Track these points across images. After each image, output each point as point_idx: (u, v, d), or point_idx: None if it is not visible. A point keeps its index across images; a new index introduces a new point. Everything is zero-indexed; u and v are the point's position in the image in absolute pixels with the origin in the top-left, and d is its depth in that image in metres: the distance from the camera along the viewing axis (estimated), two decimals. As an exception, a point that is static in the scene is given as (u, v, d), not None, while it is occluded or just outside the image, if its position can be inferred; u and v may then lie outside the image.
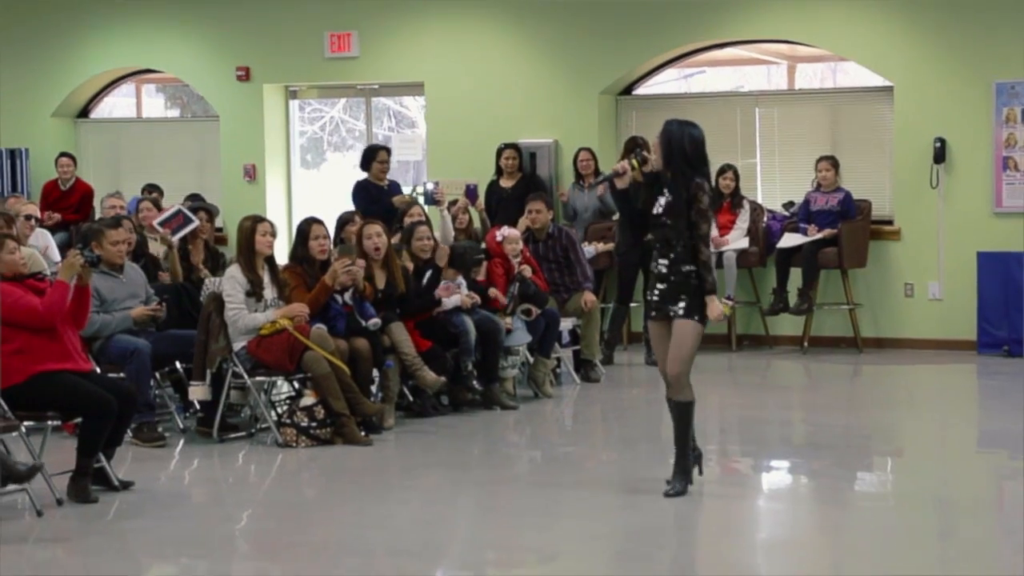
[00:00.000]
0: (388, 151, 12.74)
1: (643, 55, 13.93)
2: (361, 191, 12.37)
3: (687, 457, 7.59)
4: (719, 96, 14.57)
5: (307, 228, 9.74)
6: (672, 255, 7.50)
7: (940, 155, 12.86)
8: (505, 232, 10.88)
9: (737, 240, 12.99)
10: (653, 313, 7.62)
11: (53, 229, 13.37)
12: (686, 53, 14.13)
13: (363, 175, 12.52)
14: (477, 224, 12.11)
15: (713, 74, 15.93)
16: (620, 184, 7.61)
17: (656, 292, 7.58)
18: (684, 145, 7.49)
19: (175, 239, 10.43)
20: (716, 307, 7.47)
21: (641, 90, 14.36)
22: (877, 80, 13.38)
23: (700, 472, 7.75)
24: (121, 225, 9.37)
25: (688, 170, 7.47)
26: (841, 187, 12.97)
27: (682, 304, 7.48)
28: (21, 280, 7.84)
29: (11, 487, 7.34)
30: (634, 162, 7.72)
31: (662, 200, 7.53)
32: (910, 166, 13.02)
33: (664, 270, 7.54)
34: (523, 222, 11.49)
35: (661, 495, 7.56)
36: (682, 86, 15.83)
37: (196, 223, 10.55)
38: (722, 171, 13.11)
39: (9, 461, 7.10)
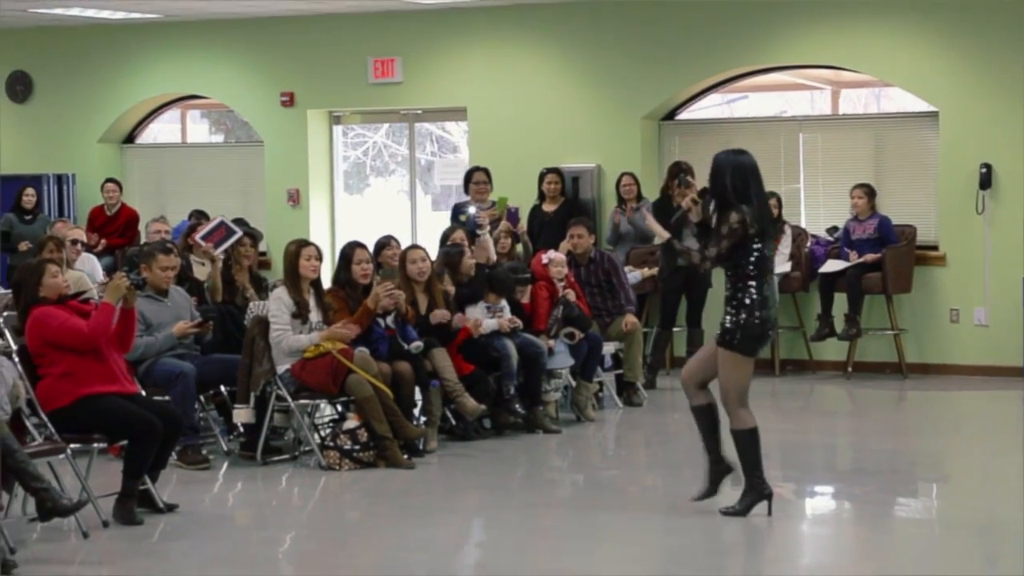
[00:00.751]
0: (485, 171, 12.78)
1: (686, 80, 13.94)
2: (460, 213, 12.40)
3: (750, 479, 7.58)
4: (763, 121, 14.54)
5: (350, 252, 9.79)
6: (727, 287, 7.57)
7: (986, 181, 12.79)
8: (551, 255, 10.89)
9: (779, 265, 12.96)
10: None
11: (100, 254, 13.50)
12: (730, 78, 14.14)
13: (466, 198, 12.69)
14: (519, 248, 12.13)
15: (756, 99, 15.90)
16: (693, 218, 7.70)
17: None
18: (726, 173, 7.49)
19: (218, 252, 10.39)
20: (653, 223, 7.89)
21: (684, 115, 14.36)
22: (922, 106, 13.33)
23: (768, 511, 7.65)
24: (172, 251, 9.41)
25: (729, 198, 7.46)
26: (877, 213, 12.92)
27: (719, 330, 7.56)
28: (64, 302, 7.89)
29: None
30: (695, 196, 7.74)
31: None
32: (955, 192, 12.95)
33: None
34: (565, 246, 11.49)
35: (704, 520, 7.54)
36: (725, 111, 15.82)
37: (239, 234, 10.47)
38: (765, 197, 13.09)
39: (56, 494, 7.11)
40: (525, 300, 10.58)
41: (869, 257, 12.67)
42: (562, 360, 10.60)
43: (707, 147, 13.95)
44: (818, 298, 12.97)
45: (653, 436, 10.84)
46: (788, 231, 13.06)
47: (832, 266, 12.88)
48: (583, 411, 10.85)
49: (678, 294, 12.39)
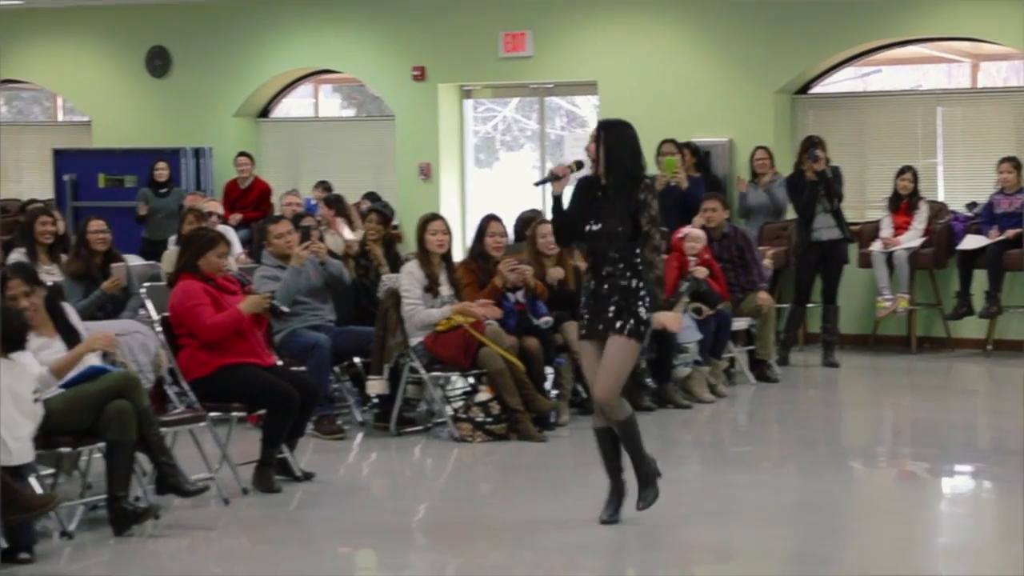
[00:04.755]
0: (673, 142, 12.76)
1: (820, 53, 13.74)
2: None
3: (646, 465, 7.16)
4: (899, 95, 14.30)
5: (485, 225, 9.84)
6: (607, 269, 6.95)
7: None
8: (688, 231, 10.84)
9: (911, 240, 12.75)
10: (584, 332, 7.03)
11: (235, 227, 13.72)
12: (864, 51, 13.91)
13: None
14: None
15: (890, 73, 15.64)
16: (556, 190, 7.05)
17: (587, 309, 6.99)
18: (625, 147, 7.02)
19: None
20: (669, 318, 7.38)
21: (817, 89, 14.17)
22: (1065, 78, 13.02)
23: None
24: (281, 219, 9.62)
25: (632, 171, 6.99)
26: (1024, 188, 12.66)
27: (618, 320, 6.90)
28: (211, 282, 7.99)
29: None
30: (573, 165, 7.26)
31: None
32: (1099, 166, 12.63)
33: (600, 285, 6.96)
34: (698, 221, 11.41)
35: (839, 495, 7.45)
36: (858, 85, 15.58)
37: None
38: (901, 172, 12.90)
39: (182, 475, 7.22)
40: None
41: (1010, 233, 12.40)
42: (689, 334, 10.53)
43: (841, 121, 13.84)
44: (955, 275, 12.73)
45: (787, 412, 10.73)
46: (924, 207, 12.84)
47: (972, 242, 12.62)
48: (713, 388, 10.78)
49: (813, 270, 12.25)
